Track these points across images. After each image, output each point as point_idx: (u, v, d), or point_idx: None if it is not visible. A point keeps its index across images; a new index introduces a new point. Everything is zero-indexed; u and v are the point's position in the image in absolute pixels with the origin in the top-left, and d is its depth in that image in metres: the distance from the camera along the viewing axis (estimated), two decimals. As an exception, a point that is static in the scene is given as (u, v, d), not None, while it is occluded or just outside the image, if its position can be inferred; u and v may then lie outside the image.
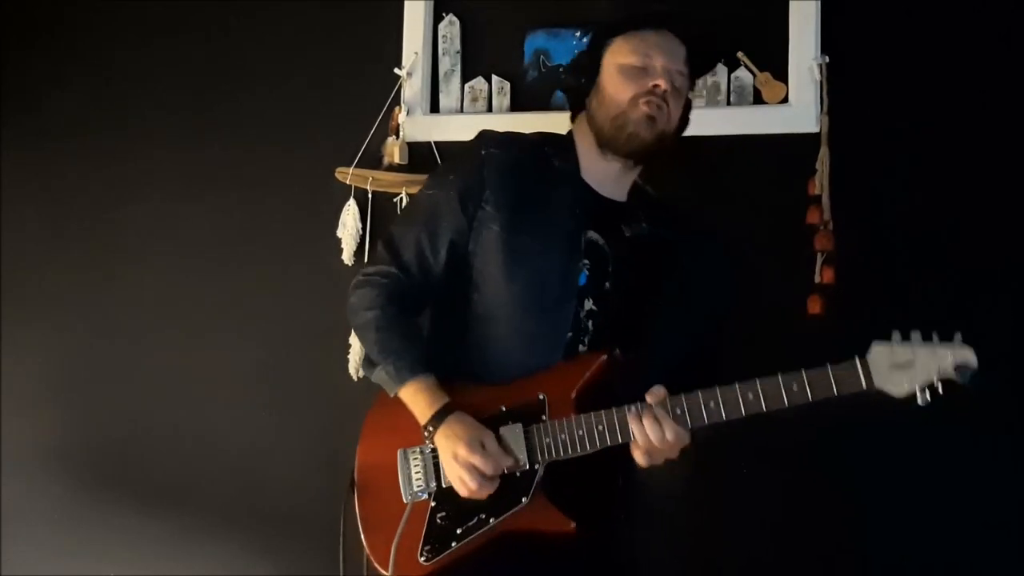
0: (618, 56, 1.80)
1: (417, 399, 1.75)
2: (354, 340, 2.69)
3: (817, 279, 2.36)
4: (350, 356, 2.71)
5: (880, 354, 1.56)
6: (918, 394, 1.54)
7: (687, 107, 1.86)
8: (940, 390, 1.54)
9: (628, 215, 1.84)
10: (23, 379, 3.09)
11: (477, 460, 1.66)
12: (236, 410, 2.88)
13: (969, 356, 1.53)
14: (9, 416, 3.09)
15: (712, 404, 1.63)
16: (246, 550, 2.83)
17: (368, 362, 1.84)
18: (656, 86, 1.76)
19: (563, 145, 1.87)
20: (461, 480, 1.68)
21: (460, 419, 1.71)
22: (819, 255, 2.36)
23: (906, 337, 1.56)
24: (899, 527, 2.31)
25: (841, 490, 2.35)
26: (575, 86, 1.86)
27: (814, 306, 2.35)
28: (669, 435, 1.63)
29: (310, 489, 2.77)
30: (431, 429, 1.72)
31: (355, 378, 2.70)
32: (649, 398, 1.66)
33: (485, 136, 1.85)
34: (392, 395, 1.78)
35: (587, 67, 1.83)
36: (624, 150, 1.79)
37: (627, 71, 1.78)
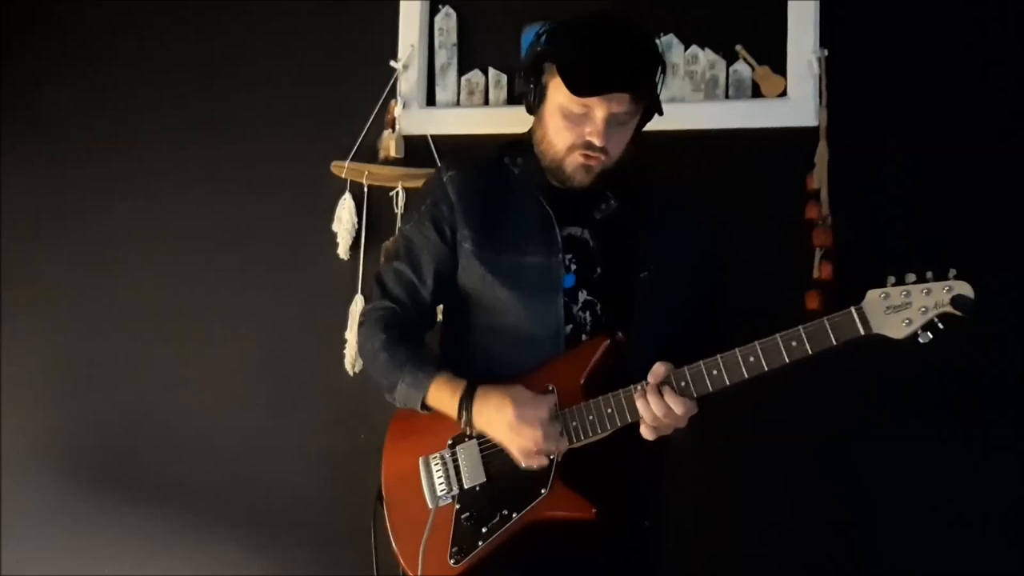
0: (558, 94, 1.72)
1: (442, 395, 1.76)
2: (350, 336, 2.69)
3: (815, 275, 2.34)
4: (346, 352, 2.70)
5: (874, 298, 1.56)
6: (920, 334, 1.54)
7: (643, 119, 1.79)
8: (940, 326, 1.53)
9: (596, 198, 1.82)
10: (21, 378, 3.09)
11: (531, 412, 1.67)
12: (232, 406, 2.87)
13: (964, 287, 1.52)
14: (8, 415, 3.08)
15: (715, 372, 1.64)
16: (243, 548, 2.83)
17: (389, 392, 1.83)
18: (591, 143, 1.71)
19: (523, 149, 1.85)
20: (534, 440, 1.67)
21: (485, 394, 1.72)
22: (817, 251, 2.34)
23: (900, 281, 1.56)
24: (901, 528, 2.30)
25: (843, 491, 2.35)
26: (526, 95, 1.80)
27: (812, 302, 2.33)
28: (677, 408, 1.64)
29: (306, 487, 2.78)
30: (465, 414, 1.73)
31: (351, 374, 2.70)
32: (650, 378, 1.67)
33: (443, 163, 1.91)
34: (420, 408, 1.79)
35: (534, 82, 1.76)
36: (564, 184, 1.79)
37: (566, 114, 1.72)
